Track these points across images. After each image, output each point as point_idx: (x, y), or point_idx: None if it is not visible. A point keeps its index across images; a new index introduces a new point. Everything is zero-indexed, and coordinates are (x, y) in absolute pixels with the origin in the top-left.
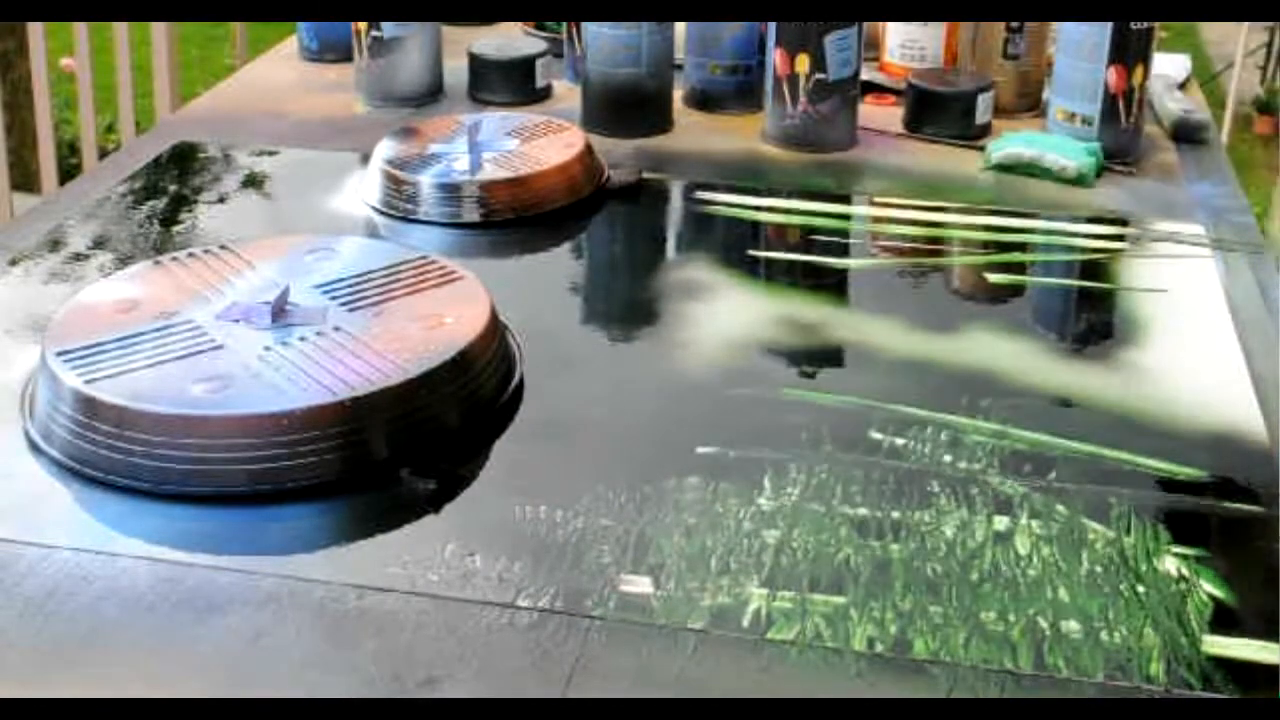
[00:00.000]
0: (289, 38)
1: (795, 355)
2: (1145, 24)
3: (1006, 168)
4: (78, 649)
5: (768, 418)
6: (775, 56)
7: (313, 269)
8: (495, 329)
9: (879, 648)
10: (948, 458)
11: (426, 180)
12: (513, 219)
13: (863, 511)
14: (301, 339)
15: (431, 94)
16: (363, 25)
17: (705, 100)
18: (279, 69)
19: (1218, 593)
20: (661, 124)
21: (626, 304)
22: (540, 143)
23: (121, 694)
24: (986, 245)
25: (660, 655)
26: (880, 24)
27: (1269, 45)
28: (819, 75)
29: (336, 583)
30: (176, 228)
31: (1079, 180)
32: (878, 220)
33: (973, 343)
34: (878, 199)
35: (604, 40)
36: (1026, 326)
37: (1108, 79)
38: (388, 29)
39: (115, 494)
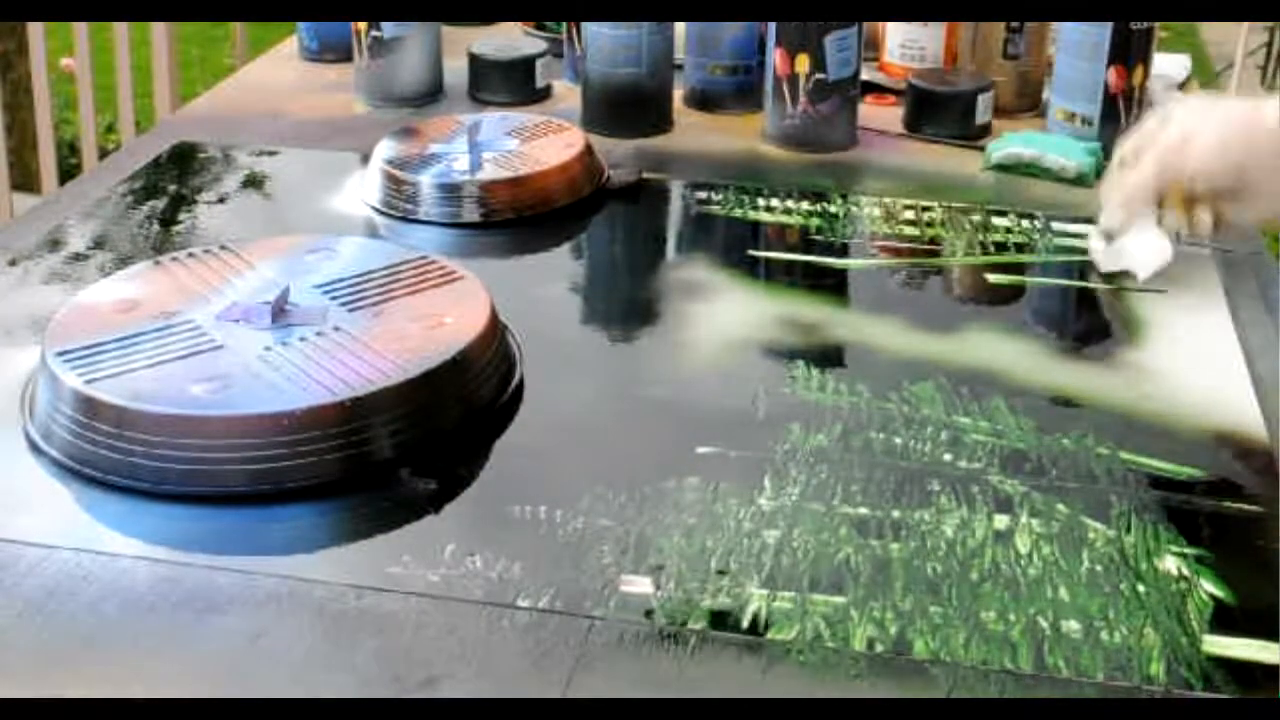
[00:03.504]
0: (289, 38)
1: (795, 355)
2: (1145, 24)
3: (1006, 168)
4: (78, 649)
5: (768, 418)
6: (775, 56)
7: (313, 269)
8: (495, 329)
9: (879, 648)
10: (948, 457)
11: (426, 180)
12: (513, 219)
13: (863, 511)
14: (301, 339)
15: (431, 94)
16: (363, 25)
17: (705, 100)
18: (279, 69)
19: (1218, 593)
20: (661, 124)
21: (626, 304)
22: (540, 143)
23: (121, 694)
24: (986, 245)
25: (660, 655)
26: (880, 24)
27: (1269, 45)
28: (819, 75)
29: (336, 583)
30: (176, 228)
31: (1079, 180)
32: (878, 220)
33: (973, 343)
34: (878, 199)
35: (604, 40)
36: (1026, 326)
37: (1108, 79)
38: (388, 29)
39: (115, 494)
